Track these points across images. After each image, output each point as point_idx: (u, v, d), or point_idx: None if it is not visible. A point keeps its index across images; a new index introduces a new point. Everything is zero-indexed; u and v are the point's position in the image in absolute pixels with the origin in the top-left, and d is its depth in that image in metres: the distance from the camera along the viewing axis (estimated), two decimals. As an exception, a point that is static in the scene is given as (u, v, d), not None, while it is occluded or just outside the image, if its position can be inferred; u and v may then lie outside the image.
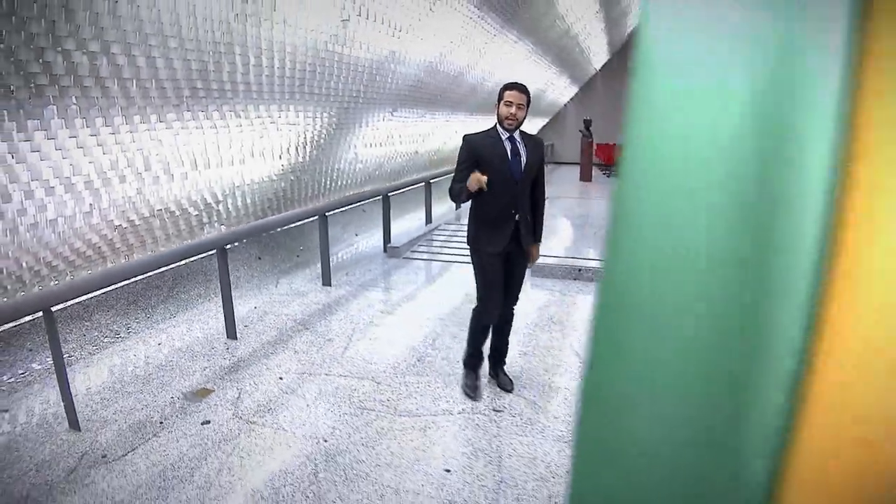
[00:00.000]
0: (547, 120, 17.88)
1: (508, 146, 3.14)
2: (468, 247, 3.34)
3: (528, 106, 3.13)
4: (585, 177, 13.79)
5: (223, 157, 4.76)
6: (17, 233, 3.30)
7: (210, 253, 4.57)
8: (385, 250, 6.68)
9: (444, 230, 7.81)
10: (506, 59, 9.08)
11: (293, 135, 5.56)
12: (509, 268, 3.30)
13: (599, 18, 11.71)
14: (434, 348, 4.08)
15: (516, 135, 3.17)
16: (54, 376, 3.08)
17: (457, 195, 3.18)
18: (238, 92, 4.26)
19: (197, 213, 4.97)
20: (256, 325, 4.52)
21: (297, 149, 5.80)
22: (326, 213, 5.54)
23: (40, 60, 2.83)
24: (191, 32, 3.39)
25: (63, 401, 3.04)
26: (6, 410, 3.23)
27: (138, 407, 3.28)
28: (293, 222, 5.34)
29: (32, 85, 2.89)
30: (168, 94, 3.66)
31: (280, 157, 5.70)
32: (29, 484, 2.61)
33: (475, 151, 3.14)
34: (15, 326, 3.74)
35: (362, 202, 6.67)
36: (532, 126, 17.06)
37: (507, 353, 3.59)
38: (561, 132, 18.01)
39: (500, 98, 3.14)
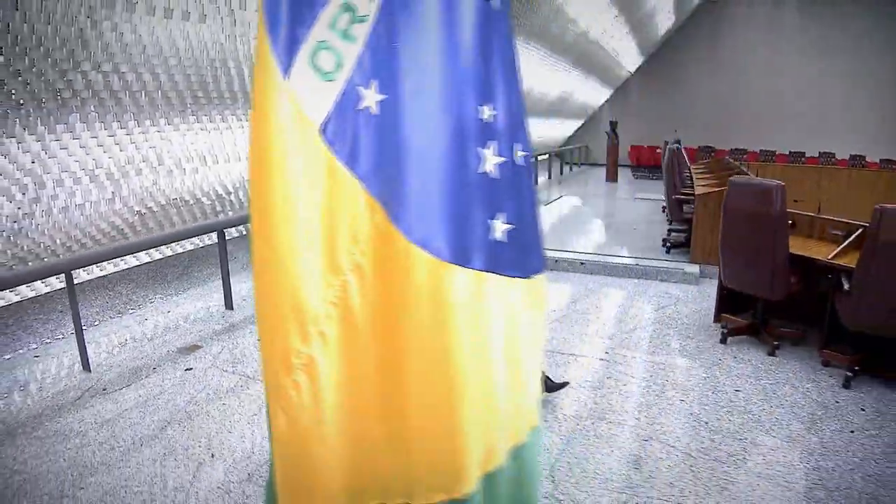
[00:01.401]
0: (581, 122, 18.13)
1: None
2: None
3: None
4: (611, 177, 14.05)
5: (229, 154, 5.53)
6: (50, 214, 4.13)
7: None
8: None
9: None
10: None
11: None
12: None
13: (621, 22, 12.01)
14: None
15: None
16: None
17: None
18: (237, 99, 5.00)
19: (210, 202, 5.76)
20: (252, 299, 5.25)
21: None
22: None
23: (64, 79, 3.62)
24: (187, 52, 4.14)
25: (78, 348, 3.83)
26: (37, 356, 4.05)
27: (140, 357, 4.04)
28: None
29: (59, 98, 3.69)
30: (173, 102, 4.43)
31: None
32: (44, 406, 3.39)
33: None
34: (49, 292, 4.58)
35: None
36: (566, 128, 17.37)
37: None
38: (595, 134, 18.20)
39: None
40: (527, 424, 1.15)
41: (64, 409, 3.36)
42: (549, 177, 13.77)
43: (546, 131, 14.86)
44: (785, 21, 16.03)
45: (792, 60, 15.95)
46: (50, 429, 3.15)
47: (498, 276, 1.06)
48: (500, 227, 1.05)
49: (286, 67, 1.00)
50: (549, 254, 6.33)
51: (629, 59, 15.66)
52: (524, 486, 1.16)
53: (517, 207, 1.08)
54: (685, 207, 6.78)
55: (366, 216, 1.03)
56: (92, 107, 3.87)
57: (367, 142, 1.02)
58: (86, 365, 3.82)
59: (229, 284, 4.99)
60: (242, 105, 5.14)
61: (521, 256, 1.10)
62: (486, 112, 1.02)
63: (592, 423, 3.24)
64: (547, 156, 13.98)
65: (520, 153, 1.10)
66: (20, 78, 3.37)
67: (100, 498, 2.59)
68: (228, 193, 5.84)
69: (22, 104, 3.51)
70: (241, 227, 6.10)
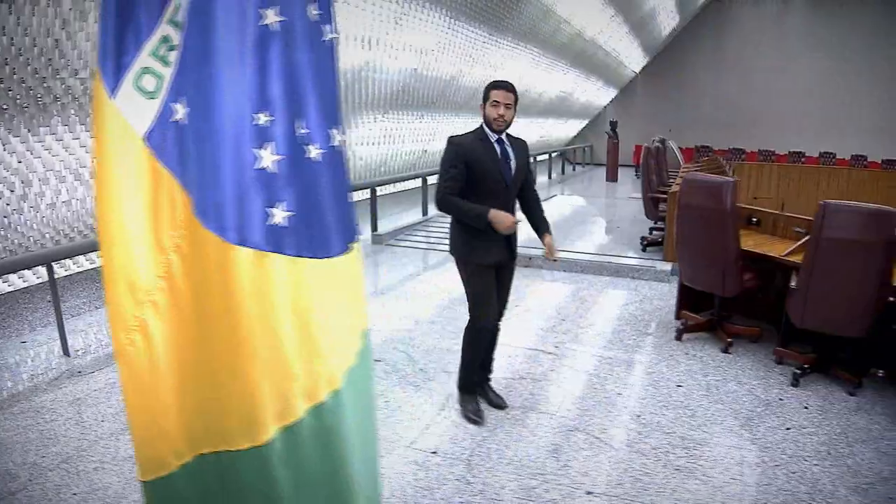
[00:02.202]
0: (585, 122, 18.21)
1: (499, 149, 3.00)
2: (454, 258, 3.17)
3: (515, 105, 2.99)
4: (611, 177, 14.14)
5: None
6: (38, 210, 4.43)
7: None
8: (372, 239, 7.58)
9: (432, 223, 8.57)
10: (506, 64, 9.68)
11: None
12: (499, 279, 3.18)
13: (619, 22, 12.08)
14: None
15: (504, 136, 3.03)
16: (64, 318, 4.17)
17: (465, 215, 2.94)
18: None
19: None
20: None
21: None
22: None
23: (44, 85, 3.91)
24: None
25: (59, 335, 4.12)
26: (24, 341, 4.36)
27: (118, 344, 4.32)
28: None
29: (40, 103, 3.98)
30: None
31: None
32: (23, 387, 3.69)
33: (465, 155, 2.93)
34: (40, 283, 4.90)
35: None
36: (569, 128, 17.44)
37: (492, 369, 3.48)
38: (601, 134, 18.23)
39: (486, 98, 2.97)
40: (327, 387, 1.34)
41: (40, 389, 3.64)
42: (550, 177, 13.88)
43: (548, 131, 15.00)
44: (792, 21, 15.96)
45: (799, 60, 15.88)
46: (25, 406, 3.44)
47: (280, 255, 1.27)
48: (279, 214, 1.25)
49: (112, 90, 1.25)
50: (524, 251, 6.48)
51: (633, 59, 15.72)
52: (330, 441, 1.36)
53: (303, 197, 1.28)
54: (661, 206, 6.91)
55: (181, 207, 1.26)
56: (72, 111, 4.16)
57: (180, 147, 1.26)
58: (66, 350, 4.11)
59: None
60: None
61: (309, 239, 1.30)
62: (262, 118, 1.24)
63: (523, 413, 3.38)
64: (547, 155, 14.10)
65: (315, 151, 1.30)
66: (2, 85, 3.66)
67: (57, 465, 2.86)
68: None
69: (6, 109, 3.80)
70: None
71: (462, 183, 2.95)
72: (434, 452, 3.00)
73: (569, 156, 16.13)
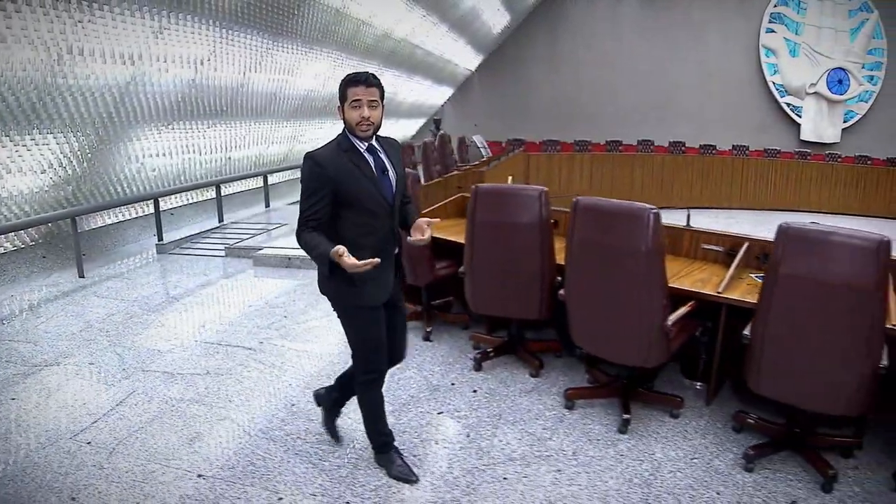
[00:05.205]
0: (422, 121, 18.68)
1: (372, 160, 2.44)
2: (328, 299, 2.63)
3: (382, 100, 2.43)
4: (439, 171, 14.75)
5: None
6: None
7: None
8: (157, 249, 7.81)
9: (226, 229, 8.75)
10: (301, 67, 9.85)
11: (49, 153, 6.53)
12: (390, 316, 2.67)
13: (433, 22, 12.51)
14: (103, 322, 5.22)
15: (374, 142, 2.47)
16: None
17: (311, 256, 2.37)
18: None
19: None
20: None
21: (60, 164, 6.79)
22: (78, 216, 6.65)
23: None
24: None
25: None
26: None
27: None
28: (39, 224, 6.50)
29: None
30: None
31: (45, 172, 6.71)
32: None
33: (329, 176, 2.34)
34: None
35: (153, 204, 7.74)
36: (403, 128, 17.56)
37: (340, 413, 3.16)
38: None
39: (344, 97, 2.38)
40: None
41: None
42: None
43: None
44: (623, 15, 17.17)
45: (629, 54, 17.11)
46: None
47: None
48: None
49: None
50: (276, 251, 6.96)
51: (463, 57, 16.32)
52: None
53: None
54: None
55: None
56: None
57: None
58: None
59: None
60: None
61: None
62: None
63: (188, 406, 3.61)
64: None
65: None
66: None
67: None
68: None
69: None
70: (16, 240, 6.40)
71: (327, 211, 2.40)
72: (89, 443, 3.22)
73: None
